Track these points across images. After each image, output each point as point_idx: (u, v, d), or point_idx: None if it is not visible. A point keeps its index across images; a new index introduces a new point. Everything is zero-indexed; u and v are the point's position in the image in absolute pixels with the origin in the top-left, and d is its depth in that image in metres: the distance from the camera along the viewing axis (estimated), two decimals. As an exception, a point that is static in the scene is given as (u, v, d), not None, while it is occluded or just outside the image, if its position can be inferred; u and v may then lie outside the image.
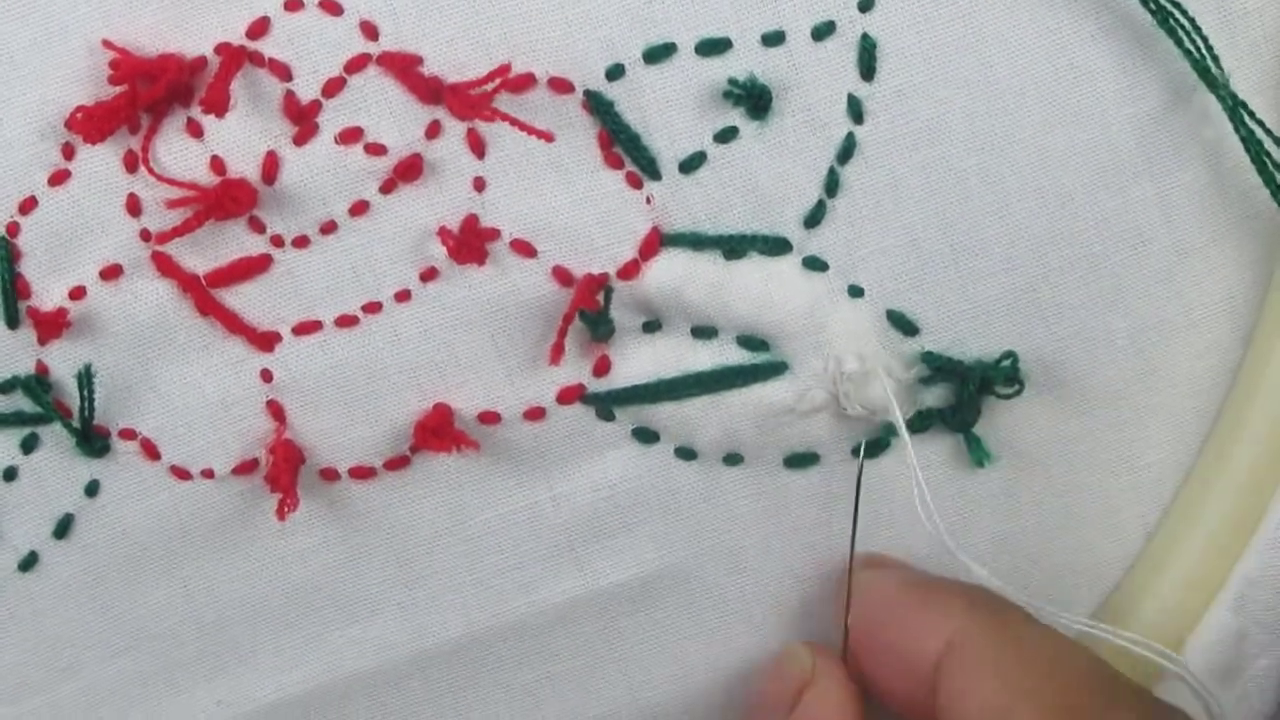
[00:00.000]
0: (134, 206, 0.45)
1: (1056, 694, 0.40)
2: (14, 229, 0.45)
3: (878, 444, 0.47)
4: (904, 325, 0.46)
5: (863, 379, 0.46)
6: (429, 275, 0.45)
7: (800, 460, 0.47)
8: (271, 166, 0.44)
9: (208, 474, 0.47)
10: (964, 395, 0.46)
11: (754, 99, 0.44)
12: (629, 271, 0.45)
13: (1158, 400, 0.47)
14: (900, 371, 0.46)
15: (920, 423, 0.47)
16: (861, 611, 0.45)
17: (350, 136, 0.44)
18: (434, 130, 0.44)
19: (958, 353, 0.46)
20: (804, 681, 0.45)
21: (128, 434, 0.46)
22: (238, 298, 0.45)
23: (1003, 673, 0.41)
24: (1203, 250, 0.46)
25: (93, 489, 0.47)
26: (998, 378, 0.46)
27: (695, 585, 0.49)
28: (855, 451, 0.47)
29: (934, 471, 0.47)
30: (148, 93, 0.43)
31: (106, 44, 0.43)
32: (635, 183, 0.45)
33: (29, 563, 0.47)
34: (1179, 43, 0.44)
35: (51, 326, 0.45)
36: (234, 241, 0.45)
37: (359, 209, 0.45)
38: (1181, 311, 0.46)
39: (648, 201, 0.45)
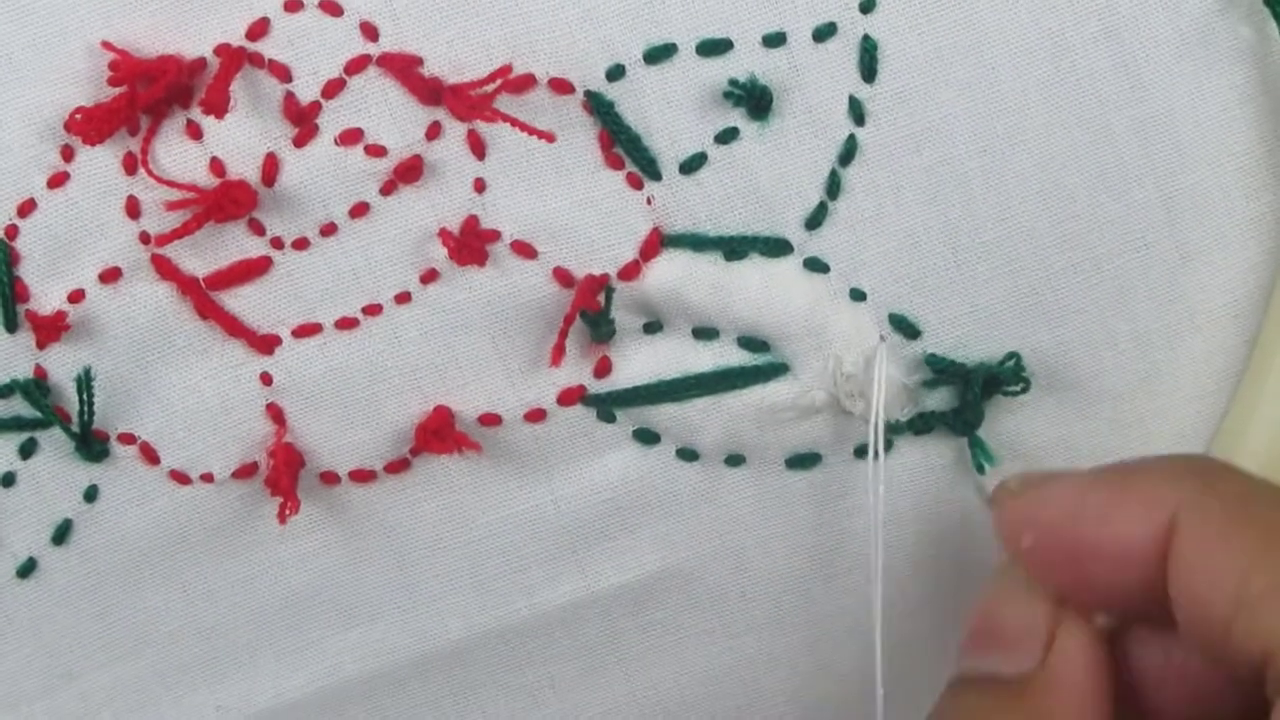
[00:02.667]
0: (133, 209, 0.44)
1: None
2: (12, 231, 0.44)
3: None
4: (906, 328, 0.46)
5: (864, 379, 0.46)
6: (429, 277, 0.45)
7: (802, 461, 0.47)
8: (271, 168, 0.44)
9: (207, 478, 0.47)
10: (967, 397, 0.46)
11: (755, 100, 0.44)
12: (630, 272, 0.45)
13: (1161, 404, 0.47)
14: (903, 374, 0.46)
15: (923, 424, 0.46)
16: (1049, 516, 0.41)
17: (350, 138, 0.44)
18: (434, 131, 0.44)
19: (960, 356, 0.46)
20: (1051, 626, 0.41)
21: (127, 438, 0.46)
22: (237, 300, 0.45)
23: (1233, 542, 0.38)
24: (1206, 254, 0.46)
25: (92, 494, 0.47)
26: (1003, 376, 0.45)
27: (697, 586, 0.49)
28: (857, 452, 0.47)
29: (937, 475, 0.47)
30: (147, 94, 0.43)
31: (106, 45, 0.43)
32: (636, 183, 0.45)
33: (27, 569, 0.47)
34: None
35: (50, 330, 0.45)
36: (234, 244, 0.45)
37: (359, 211, 0.45)
38: (1186, 315, 0.46)
39: (648, 202, 0.45)
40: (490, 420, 0.46)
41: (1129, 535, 0.39)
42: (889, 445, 0.47)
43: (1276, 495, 0.39)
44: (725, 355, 0.46)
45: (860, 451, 0.47)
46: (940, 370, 0.46)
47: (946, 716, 0.41)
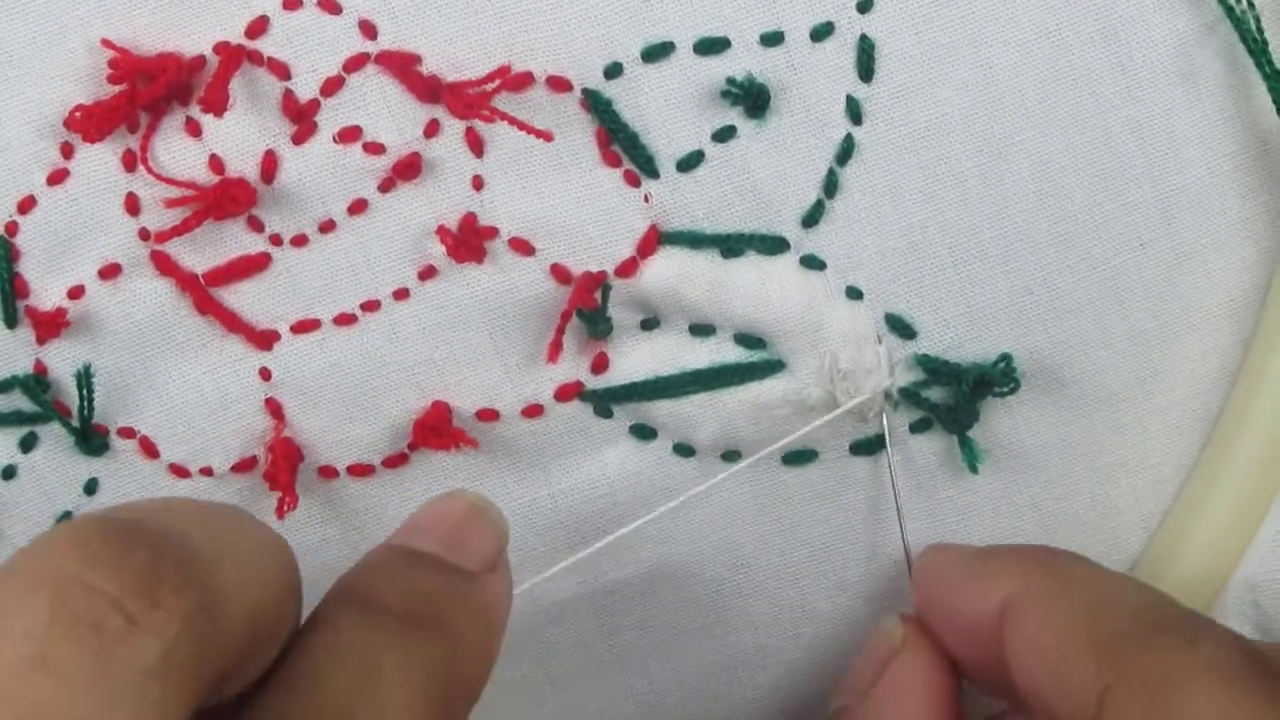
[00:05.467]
0: (133, 205, 0.45)
1: (1100, 630, 0.39)
2: (13, 228, 0.45)
3: (877, 441, 0.47)
4: (902, 329, 0.46)
5: (860, 376, 0.46)
6: (427, 274, 0.45)
7: (798, 457, 0.47)
8: (270, 165, 0.44)
9: (206, 472, 0.47)
10: (960, 397, 0.46)
11: (752, 98, 0.44)
12: (627, 269, 0.45)
13: (1158, 403, 0.47)
14: (899, 374, 0.46)
15: (919, 423, 0.47)
16: (924, 587, 0.45)
17: (349, 135, 0.44)
18: (432, 129, 0.44)
19: (955, 356, 0.46)
20: (892, 652, 0.45)
21: (126, 432, 0.46)
22: (236, 296, 0.45)
23: (1054, 622, 0.40)
24: (1202, 253, 0.46)
25: (91, 487, 0.47)
26: (993, 377, 0.46)
27: (694, 582, 0.49)
28: (853, 448, 0.47)
29: (932, 475, 0.47)
30: (147, 91, 0.43)
31: (105, 43, 0.43)
32: (633, 181, 0.45)
33: (28, 561, 0.47)
34: None
35: (50, 326, 0.45)
36: (233, 240, 0.45)
37: (357, 207, 0.45)
38: (1181, 314, 0.46)
39: (646, 200, 0.45)
40: (488, 416, 0.47)
41: (975, 609, 0.42)
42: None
43: (1089, 574, 0.42)
44: (721, 352, 0.46)
45: (856, 448, 0.47)
46: (933, 370, 0.46)
47: None
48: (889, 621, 0.46)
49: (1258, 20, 0.43)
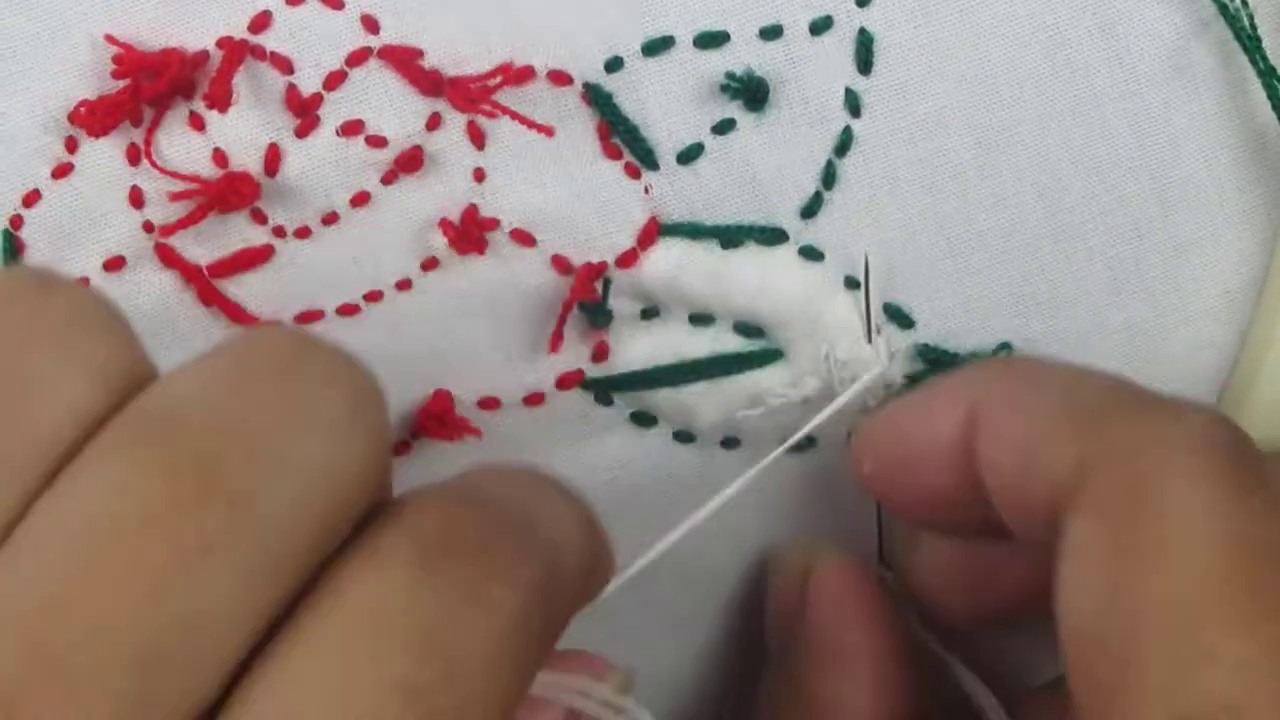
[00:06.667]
0: (137, 199, 0.45)
1: (1077, 407, 0.37)
2: (17, 221, 0.45)
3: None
4: (900, 318, 0.46)
5: (858, 365, 0.46)
6: (429, 265, 0.46)
7: (798, 444, 0.47)
8: (273, 159, 0.44)
9: (214, 463, 0.47)
10: (960, 386, 0.46)
11: (751, 92, 0.44)
12: (627, 260, 0.46)
13: None
14: (898, 363, 0.46)
15: None
16: (882, 436, 0.43)
17: (351, 129, 0.44)
18: (434, 122, 0.44)
19: (952, 346, 0.47)
20: (806, 569, 0.45)
21: (132, 423, 0.47)
22: (240, 288, 0.46)
23: (1026, 408, 0.38)
24: (1199, 245, 0.46)
25: (97, 477, 0.47)
26: None
27: (694, 566, 0.49)
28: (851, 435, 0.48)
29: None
30: (150, 86, 0.43)
31: (109, 38, 0.43)
32: (634, 173, 0.45)
33: (34, 550, 0.48)
34: None
35: (55, 318, 0.45)
36: (236, 233, 0.45)
37: (360, 200, 0.45)
38: (1178, 306, 0.47)
39: (646, 191, 0.45)
40: (490, 404, 0.47)
41: (938, 429, 0.40)
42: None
43: (1058, 365, 0.41)
44: (721, 341, 0.47)
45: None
46: (932, 360, 0.46)
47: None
48: (781, 552, 0.47)
49: (1251, 17, 0.44)
